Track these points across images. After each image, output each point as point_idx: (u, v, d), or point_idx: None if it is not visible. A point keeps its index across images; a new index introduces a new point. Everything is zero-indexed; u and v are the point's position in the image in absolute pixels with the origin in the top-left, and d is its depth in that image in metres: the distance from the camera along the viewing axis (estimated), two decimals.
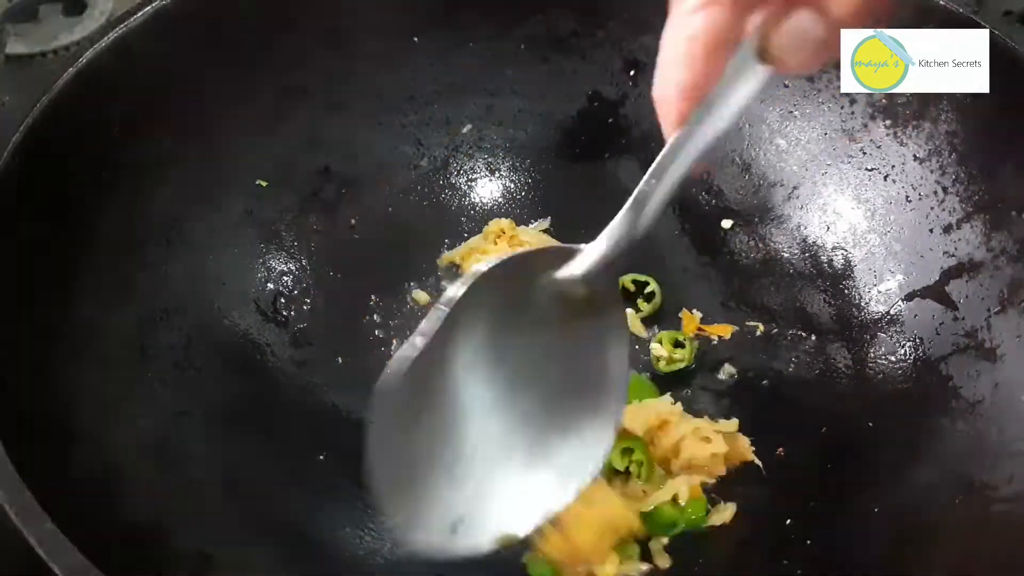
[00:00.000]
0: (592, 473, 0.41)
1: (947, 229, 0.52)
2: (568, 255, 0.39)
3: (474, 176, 0.63)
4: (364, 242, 0.60)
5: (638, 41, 0.61)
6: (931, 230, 0.53)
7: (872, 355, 0.54)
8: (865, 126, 0.56)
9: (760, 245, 0.60)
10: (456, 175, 0.63)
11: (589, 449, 0.41)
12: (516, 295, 0.40)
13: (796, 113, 0.58)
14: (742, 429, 0.53)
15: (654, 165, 0.37)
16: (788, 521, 0.49)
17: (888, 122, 0.55)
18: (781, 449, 0.52)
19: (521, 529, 0.40)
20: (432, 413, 0.39)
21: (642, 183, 0.37)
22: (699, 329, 0.57)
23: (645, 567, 0.48)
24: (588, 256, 0.38)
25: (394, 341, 0.58)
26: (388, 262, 0.60)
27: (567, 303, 0.40)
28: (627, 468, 0.50)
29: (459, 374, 0.39)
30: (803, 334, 0.57)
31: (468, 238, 0.62)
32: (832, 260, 0.58)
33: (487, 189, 0.63)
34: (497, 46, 0.61)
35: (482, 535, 0.39)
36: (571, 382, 0.41)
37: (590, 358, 0.41)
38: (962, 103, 0.51)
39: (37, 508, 0.34)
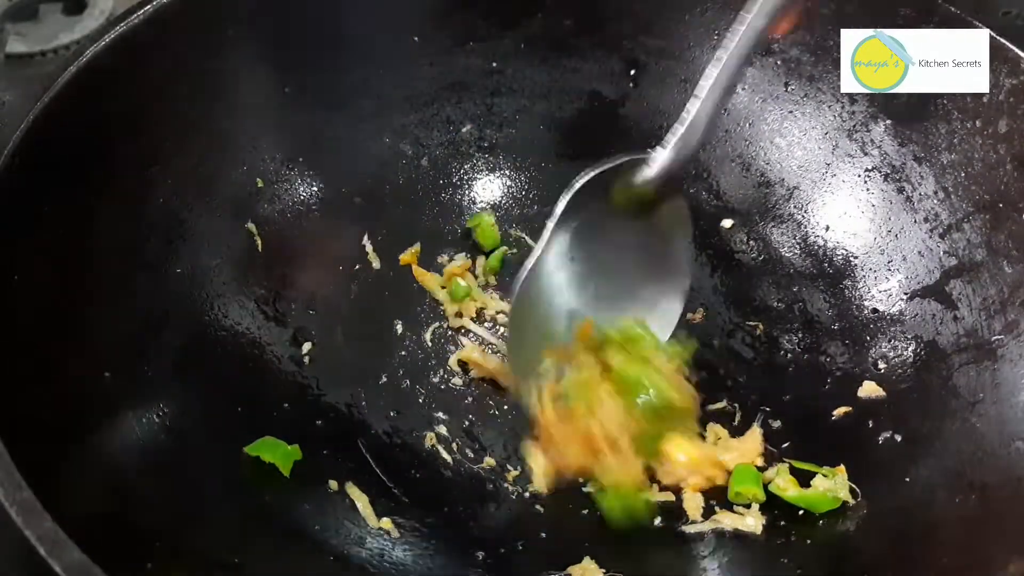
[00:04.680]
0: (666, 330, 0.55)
1: (947, 229, 0.52)
2: (640, 164, 0.51)
3: (474, 176, 0.64)
4: (364, 242, 0.60)
5: (638, 41, 0.61)
6: (931, 230, 0.53)
7: (872, 355, 0.54)
8: (865, 126, 0.56)
9: (760, 245, 0.60)
10: (456, 175, 0.63)
11: (662, 315, 0.55)
12: (600, 200, 0.51)
13: (796, 113, 0.59)
14: (742, 428, 0.53)
15: (699, 87, 0.47)
16: (788, 521, 0.49)
17: (888, 122, 0.55)
18: (781, 448, 0.52)
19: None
20: (545, 295, 0.53)
21: (690, 103, 0.47)
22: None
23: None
24: (657, 164, 0.50)
25: (395, 339, 0.58)
26: (388, 261, 0.61)
27: (640, 202, 0.52)
28: None
29: (561, 262, 0.53)
30: (803, 334, 0.57)
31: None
32: (832, 260, 0.58)
33: (487, 189, 0.64)
34: (497, 46, 0.61)
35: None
36: (647, 263, 0.54)
37: (660, 244, 0.54)
38: (962, 103, 0.51)
39: (37, 506, 0.34)
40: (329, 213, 0.60)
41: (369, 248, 0.61)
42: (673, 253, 0.55)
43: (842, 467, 0.49)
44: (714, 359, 0.57)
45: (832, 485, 0.49)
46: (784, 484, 0.49)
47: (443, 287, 0.60)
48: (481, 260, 0.61)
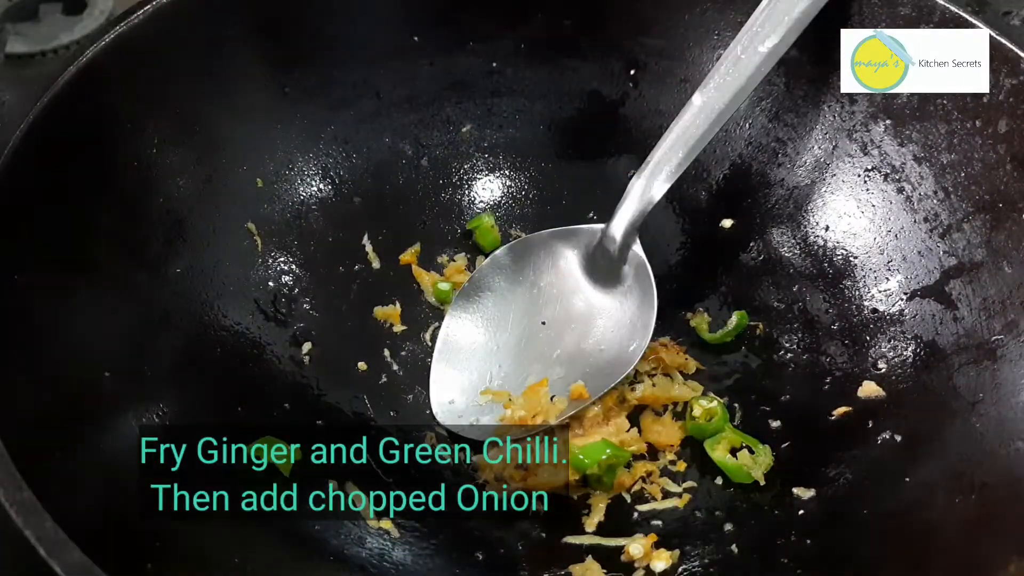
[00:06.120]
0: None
1: (947, 229, 0.52)
2: (592, 234, 0.56)
3: (474, 176, 0.64)
4: (364, 242, 0.60)
5: (638, 41, 0.61)
6: (931, 230, 0.53)
7: (872, 355, 0.54)
8: (865, 126, 0.56)
9: (760, 245, 0.60)
10: (456, 175, 0.63)
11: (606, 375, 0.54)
12: (548, 262, 0.58)
13: (796, 113, 0.58)
14: (742, 428, 0.53)
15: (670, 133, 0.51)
16: (788, 521, 0.49)
17: (888, 122, 0.55)
18: (781, 448, 0.52)
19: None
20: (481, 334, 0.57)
21: (660, 150, 0.52)
22: None
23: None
24: (613, 233, 0.54)
25: (394, 340, 0.58)
26: (388, 261, 0.61)
27: (600, 269, 0.56)
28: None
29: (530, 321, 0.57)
30: (803, 334, 0.57)
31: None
32: (832, 260, 0.58)
33: (487, 189, 0.64)
34: (497, 46, 0.61)
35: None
36: (604, 329, 0.55)
37: (621, 312, 0.55)
38: (962, 103, 0.51)
39: (37, 506, 0.34)
40: (329, 213, 0.60)
41: (369, 248, 0.61)
42: (633, 316, 0.55)
43: (768, 452, 0.51)
44: (713, 359, 0.57)
45: (751, 463, 0.51)
46: (717, 446, 0.52)
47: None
48: (481, 260, 0.61)
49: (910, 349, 0.53)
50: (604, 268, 0.56)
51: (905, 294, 0.54)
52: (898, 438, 0.50)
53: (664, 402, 0.55)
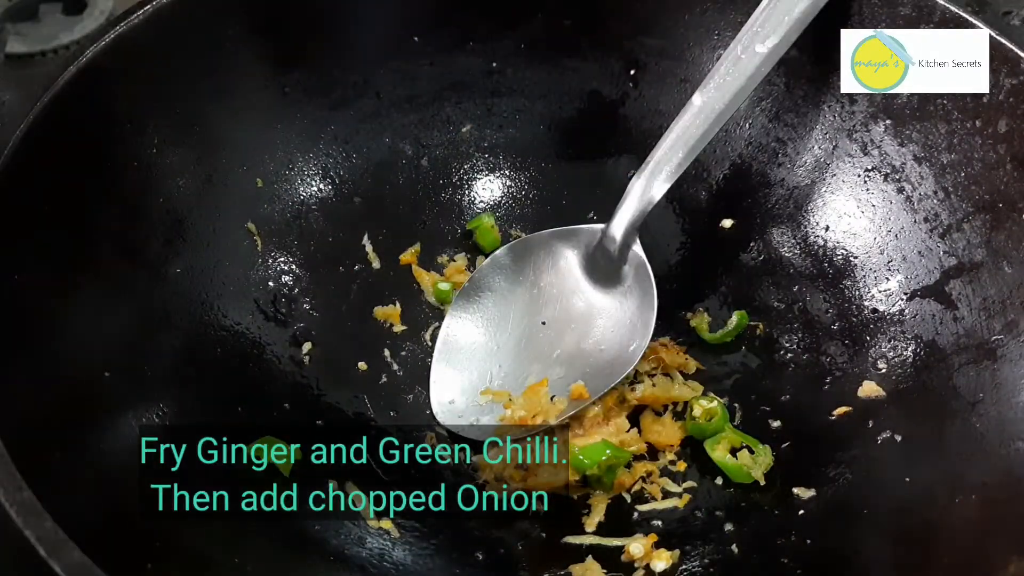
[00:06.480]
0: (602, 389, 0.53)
1: (947, 229, 0.52)
2: (592, 234, 0.56)
3: (475, 176, 0.64)
4: (364, 242, 0.60)
5: (638, 41, 0.61)
6: (931, 230, 0.53)
7: (872, 355, 0.54)
8: (865, 126, 0.56)
9: (760, 245, 0.60)
10: (456, 175, 0.63)
11: (606, 375, 0.53)
12: (548, 262, 0.58)
13: (796, 113, 0.58)
14: (742, 428, 0.53)
15: (670, 133, 0.51)
16: (788, 521, 0.49)
17: (888, 122, 0.55)
18: (781, 448, 0.52)
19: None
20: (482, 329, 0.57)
21: (660, 150, 0.52)
22: None
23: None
24: (613, 233, 0.54)
25: (394, 340, 0.58)
26: (388, 261, 0.61)
27: (600, 269, 0.56)
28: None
29: (530, 321, 0.57)
30: (803, 334, 0.57)
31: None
32: (832, 260, 0.58)
33: (487, 189, 0.64)
34: (497, 46, 0.61)
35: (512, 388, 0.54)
36: (604, 329, 0.55)
37: (622, 312, 0.56)
38: (962, 103, 0.51)
39: (37, 506, 0.34)
40: (329, 213, 0.60)
41: (369, 248, 0.61)
42: (633, 316, 0.55)
43: (768, 452, 0.51)
44: (713, 359, 0.57)
45: (751, 463, 0.51)
46: (717, 446, 0.52)
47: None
48: (481, 260, 0.61)
49: (910, 349, 0.53)
50: (604, 268, 0.56)
51: (905, 294, 0.54)
52: (898, 438, 0.50)
53: (664, 402, 0.55)
